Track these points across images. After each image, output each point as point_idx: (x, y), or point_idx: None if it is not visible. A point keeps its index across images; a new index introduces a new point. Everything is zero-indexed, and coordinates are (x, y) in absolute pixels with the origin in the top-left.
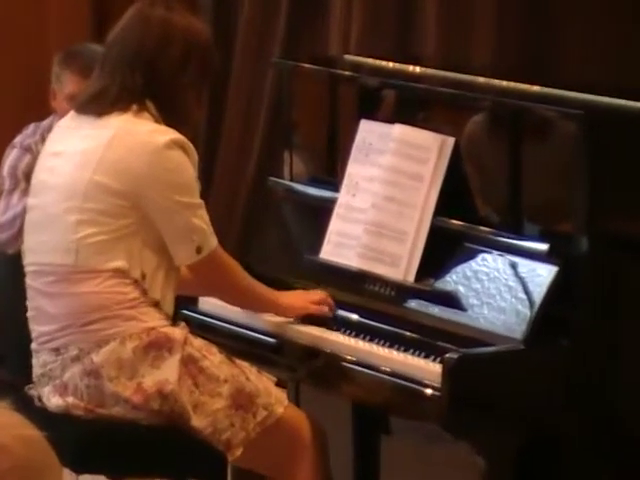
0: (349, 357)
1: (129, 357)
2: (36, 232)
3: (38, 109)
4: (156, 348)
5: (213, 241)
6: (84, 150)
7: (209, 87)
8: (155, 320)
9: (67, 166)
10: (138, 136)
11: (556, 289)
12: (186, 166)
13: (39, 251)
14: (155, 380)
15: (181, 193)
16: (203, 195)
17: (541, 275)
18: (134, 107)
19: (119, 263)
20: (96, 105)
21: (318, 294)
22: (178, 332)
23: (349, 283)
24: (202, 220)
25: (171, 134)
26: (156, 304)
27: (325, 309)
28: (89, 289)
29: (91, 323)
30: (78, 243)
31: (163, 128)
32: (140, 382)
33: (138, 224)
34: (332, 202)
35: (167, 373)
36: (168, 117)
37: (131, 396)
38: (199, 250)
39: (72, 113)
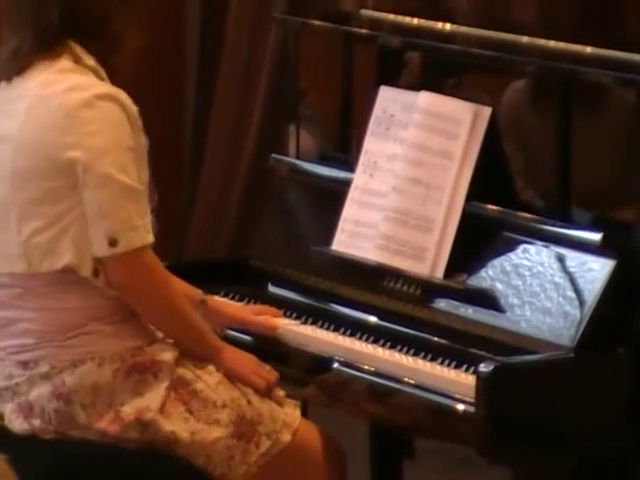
0: (366, 367)
1: (108, 382)
2: None
3: None
4: (140, 372)
5: (136, 238)
6: (4, 132)
7: (145, 7)
8: (141, 337)
9: None
10: (52, 100)
11: (612, 287)
12: (115, 125)
13: None
14: (135, 407)
15: (104, 162)
16: (193, 177)
17: (594, 270)
18: (54, 54)
19: (67, 259)
20: (15, 62)
21: (266, 370)
22: (168, 352)
23: (366, 279)
24: (123, 208)
25: (95, 88)
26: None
27: (263, 387)
28: (63, 305)
29: (68, 339)
30: (25, 245)
31: (85, 82)
32: (118, 411)
33: (79, 207)
34: (346, 184)
35: (149, 400)
36: (96, 49)
37: (106, 427)
38: (112, 242)
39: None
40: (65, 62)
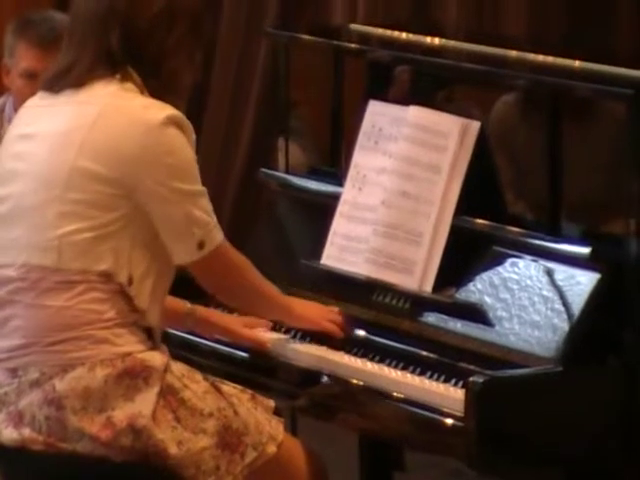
0: (355, 381)
1: (99, 386)
2: (2, 228)
3: None
4: (131, 377)
5: (218, 235)
6: (64, 131)
7: (202, 51)
8: (131, 344)
9: (42, 150)
10: (129, 113)
11: (600, 300)
12: (184, 146)
13: (7, 250)
14: (127, 413)
15: (180, 179)
16: None
17: (582, 283)
18: (117, 76)
19: (105, 265)
20: (69, 77)
21: (335, 312)
22: (158, 358)
23: (355, 293)
24: (204, 211)
25: (167, 110)
26: (134, 323)
27: (338, 331)
28: (58, 303)
29: (56, 343)
30: (61, 241)
31: (158, 103)
32: (110, 416)
33: (129, 217)
34: (335, 198)
35: (141, 406)
36: (153, 85)
37: (98, 432)
38: (201, 245)
39: (41, 92)
40: (131, 85)
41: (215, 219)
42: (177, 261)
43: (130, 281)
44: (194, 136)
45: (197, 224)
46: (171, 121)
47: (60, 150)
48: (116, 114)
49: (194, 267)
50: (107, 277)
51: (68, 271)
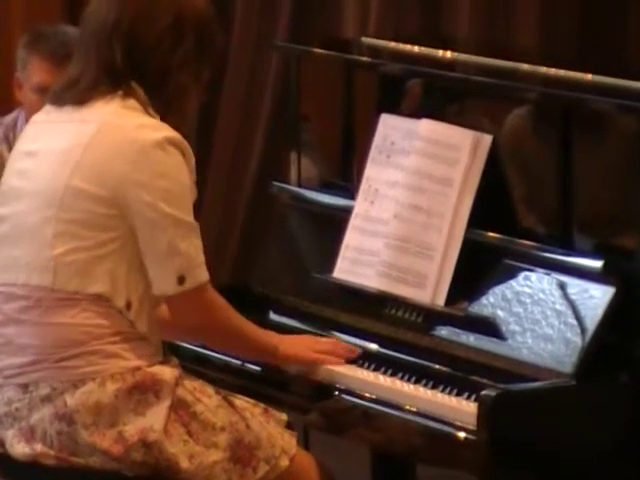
0: (368, 395)
1: (110, 401)
2: (7, 246)
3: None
4: (141, 391)
5: (201, 275)
6: (62, 149)
7: (210, 70)
8: (141, 358)
9: (43, 168)
10: (125, 132)
11: (613, 314)
12: (181, 171)
13: (10, 268)
14: (138, 428)
15: (171, 204)
16: (195, 203)
17: (595, 297)
18: (120, 92)
19: (101, 288)
20: (73, 92)
21: (327, 343)
22: (168, 372)
23: (367, 307)
24: (191, 245)
25: (165, 131)
26: (142, 338)
27: (332, 360)
28: (64, 320)
29: (66, 359)
30: (56, 261)
31: (156, 123)
32: (121, 431)
33: (125, 239)
34: (347, 211)
35: (152, 420)
36: (157, 103)
37: (109, 447)
38: (181, 280)
39: (47, 106)
40: (134, 102)
41: (201, 258)
42: (155, 291)
43: (128, 306)
44: (193, 161)
45: (180, 256)
46: (169, 142)
47: (58, 169)
48: (112, 133)
49: (170, 301)
50: (104, 300)
51: (64, 290)
